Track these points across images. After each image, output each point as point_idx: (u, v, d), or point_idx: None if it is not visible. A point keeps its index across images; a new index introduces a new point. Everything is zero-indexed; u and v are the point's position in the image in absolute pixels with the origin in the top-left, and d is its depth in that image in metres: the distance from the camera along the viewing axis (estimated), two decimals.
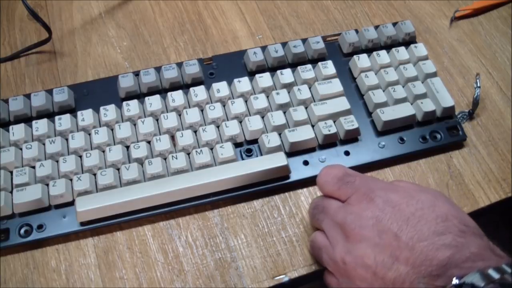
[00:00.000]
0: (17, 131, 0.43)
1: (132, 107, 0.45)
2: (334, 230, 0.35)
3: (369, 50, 0.51)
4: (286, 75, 0.47)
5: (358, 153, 0.45)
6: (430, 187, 0.35)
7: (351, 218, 0.34)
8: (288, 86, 0.47)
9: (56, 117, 0.44)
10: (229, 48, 0.53)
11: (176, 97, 0.45)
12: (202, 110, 0.46)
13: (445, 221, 0.31)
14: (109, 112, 0.44)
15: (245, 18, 0.55)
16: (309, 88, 0.47)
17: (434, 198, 0.34)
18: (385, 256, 0.32)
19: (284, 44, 0.50)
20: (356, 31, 0.51)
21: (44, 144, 0.43)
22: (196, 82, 0.48)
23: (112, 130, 0.44)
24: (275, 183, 0.43)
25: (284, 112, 0.46)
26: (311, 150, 0.45)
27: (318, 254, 0.38)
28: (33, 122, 0.43)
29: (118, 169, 0.42)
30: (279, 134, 0.44)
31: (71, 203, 0.41)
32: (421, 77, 0.48)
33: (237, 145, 0.45)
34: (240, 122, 0.45)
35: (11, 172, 0.41)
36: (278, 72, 0.47)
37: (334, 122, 0.45)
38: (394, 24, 0.52)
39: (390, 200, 0.33)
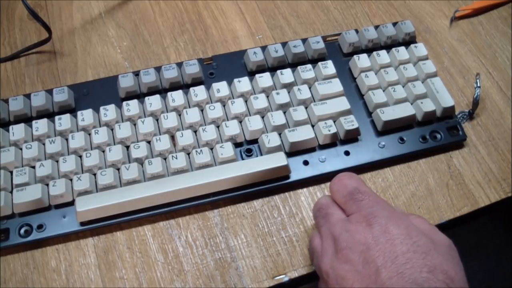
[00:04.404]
0: (17, 131, 0.43)
1: (132, 107, 0.45)
2: (328, 240, 0.35)
3: (369, 50, 0.51)
4: (286, 75, 0.47)
5: (358, 153, 0.45)
6: (444, 235, 0.34)
7: (345, 236, 0.34)
8: (288, 86, 0.47)
9: (56, 117, 0.44)
10: (229, 48, 0.53)
11: (176, 97, 0.45)
12: (202, 110, 0.46)
13: (429, 272, 0.30)
14: (109, 112, 0.44)
15: (245, 18, 0.55)
16: (309, 88, 0.47)
17: (432, 246, 0.32)
18: (361, 287, 0.31)
19: (284, 44, 0.50)
20: (356, 31, 0.51)
21: (44, 144, 0.43)
22: (196, 82, 0.48)
23: (112, 130, 0.44)
24: (275, 183, 0.43)
25: (284, 112, 0.46)
26: (311, 150, 0.45)
27: (311, 255, 0.39)
28: (33, 122, 0.43)
29: (118, 169, 0.42)
30: (279, 134, 0.44)
31: (71, 203, 0.41)
32: (421, 77, 0.48)
33: (237, 145, 0.45)
34: (240, 122, 0.45)
35: (11, 172, 0.41)
36: (278, 72, 0.47)
37: (334, 122, 0.45)
38: (394, 24, 0.52)
39: (387, 232, 0.32)
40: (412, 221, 0.34)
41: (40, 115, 0.45)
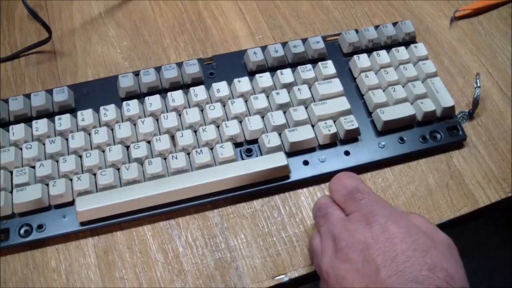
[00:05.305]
0: (17, 131, 0.43)
1: (132, 107, 0.45)
2: (328, 239, 0.35)
3: (369, 50, 0.51)
4: (286, 75, 0.47)
5: (358, 153, 0.45)
6: (444, 234, 0.34)
7: (344, 235, 0.34)
8: (288, 86, 0.47)
9: (56, 117, 0.44)
10: (229, 48, 0.53)
11: (176, 97, 0.45)
12: (202, 110, 0.46)
13: (429, 270, 0.30)
14: (109, 112, 0.44)
15: (245, 18, 0.55)
16: (309, 88, 0.47)
17: (432, 244, 0.32)
18: (361, 285, 0.31)
19: (284, 44, 0.50)
20: (356, 31, 0.51)
21: (44, 144, 0.43)
22: (196, 82, 0.48)
23: (112, 130, 0.44)
24: (275, 183, 0.43)
25: (284, 112, 0.46)
26: (311, 150, 0.45)
27: (311, 255, 0.39)
28: (33, 122, 0.43)
29: (118, 169, 0.42)
30: (279, 134, 0.44)
31: (71, 203, 0.41)
32: (421, 77, 0.48)
33: (237, 145, 0.45)
34: (240, 122, 0.45)
35: (11, 172, 0.41)
36: (278, 72, 0.47)
37: (334, 122, 0.45)
38: (394, 24, 0.52)
39: (387, 230, 0.32)
40: (412, 220, 0.34)
41: (40, 115, 0.45)
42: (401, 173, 0.46)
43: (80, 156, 0.43)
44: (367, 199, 0.35)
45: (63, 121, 0.44)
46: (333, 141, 0.45)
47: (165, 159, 0.43)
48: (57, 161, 0.42)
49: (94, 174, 0.42)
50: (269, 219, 0.43)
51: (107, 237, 0.42)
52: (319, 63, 0.48)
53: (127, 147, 0.43)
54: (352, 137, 0.45)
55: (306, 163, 0.44)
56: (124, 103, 0.45)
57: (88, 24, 0.54)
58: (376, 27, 0.51)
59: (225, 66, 0.49)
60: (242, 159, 0.44)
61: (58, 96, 0.45)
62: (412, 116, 0.46)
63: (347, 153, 0.45)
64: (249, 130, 0.44)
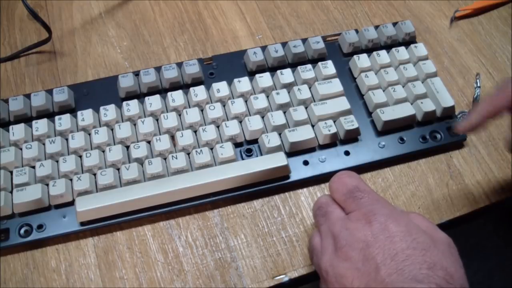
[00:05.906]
0: (17, 131, 0.43)
1: (132, 107, 0.45)
2: (328, 238, 0.35)
3: (369, 50, 0.51)
4: (286, 75, 0.47)
5: (358, 153, 0.45)
6: (444, 233, 0.34)
7: (345, 234, 0.34)
8: (288, 86, 0.47)
9: (56, 117, 0.44)
10: (229, 48, 0.53)
11: (176, 97, 0.45)
12: (202, 110, 0.46)
13: (429, 269, 0.30)
14: (109, 112, 0.44)
15: (245, 18, 0.55)
16: (309, 88, 0.47)
17: (432, 243, 0.32)
18: (361, 284, 0.31)
19: (284, 44, 0.50)
20: (356, 31, 0.51)
21: (44, 144, 0.43)
22: (196, 82, 0.48)
23: (112, 130, 0.44)
24: (275, 183, 0.43)
25: (284, 112, 0.46)
26: (311, 150, 0.45)
27: (310, 254, 0.38)
28: (33, 122, 0.43)
29: (118, 169, 0.42)
30: (279, 134, 0.44)
31: (71, 203, 0.41)
32: (421, 77, 0.48)
33: (237, 145, 0.45)
34: (240, 122, 0.45)
35: (11, 172, 0.41)
36: (278, 72, 0.47)
37: (334, 122, 0.45)
38: (394, 24, 0.52)
39: (387, 229, 0.32)
40: (412, 219, 0.34)
41: (40, 115, 0.45)
42: (401, 173, 0.46)
43: (80, 156, 0.43)
44: (367, 198, 0.35)
45: (63, 121, 0.44)
46: (333, 141, 0.45)
47: (165, 159, 0.43)
48: (57, 161, 0.42)
49: (94, 174, 0.42)
50: (269, 219, 0.43)
51: (107, 237, 0.42)
52: (319, 63, 0.48)
53: (127, 147, 0.43)
54: (352, 137, 0.45)
55: (306, 163, 0.44)
56: (124, 103, 0.45)
57: (88, 24, 0.54)
58: (376, 27, 0.51)
59: (225, 66, 0.49)
60: (242, 159, 0.44)
61: (58, 96, 0.45)
62: (412, 116, 0.46)
63: (347, 153, 0.45)
64: (249, 130, 0.44)
